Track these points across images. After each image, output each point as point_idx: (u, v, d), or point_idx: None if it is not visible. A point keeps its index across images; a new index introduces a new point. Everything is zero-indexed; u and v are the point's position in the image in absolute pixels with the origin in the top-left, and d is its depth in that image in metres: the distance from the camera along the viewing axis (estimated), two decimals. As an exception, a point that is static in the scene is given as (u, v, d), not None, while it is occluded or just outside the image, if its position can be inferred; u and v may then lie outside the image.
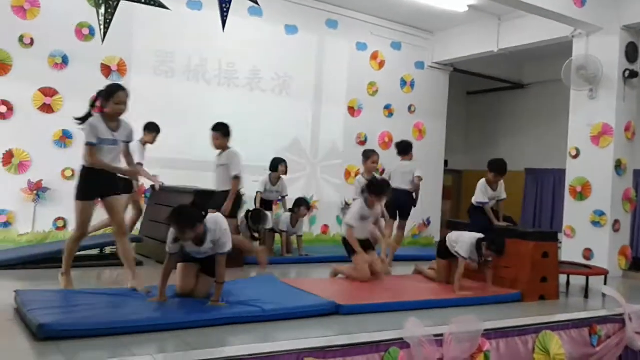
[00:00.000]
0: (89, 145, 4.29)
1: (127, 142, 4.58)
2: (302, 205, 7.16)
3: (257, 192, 7.29)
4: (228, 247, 4.09)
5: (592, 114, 7.70)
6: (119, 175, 4.63)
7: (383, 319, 4.29)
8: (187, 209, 4.03)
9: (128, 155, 4.66)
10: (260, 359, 2.95)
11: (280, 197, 7.48)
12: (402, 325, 3.61)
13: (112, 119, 4.40)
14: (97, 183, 4.37)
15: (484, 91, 12.38)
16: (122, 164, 4.61)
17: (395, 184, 6.57)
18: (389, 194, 5.85)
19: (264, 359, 2.97)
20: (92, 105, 4.49)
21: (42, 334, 3.20)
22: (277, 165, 7.28)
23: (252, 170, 7.72)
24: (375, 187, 5.69)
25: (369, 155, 6.79)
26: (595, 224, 7.52)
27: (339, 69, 9.38)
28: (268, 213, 7.02)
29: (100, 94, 4.42)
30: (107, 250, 6.24)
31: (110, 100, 4.33)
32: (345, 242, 5.76)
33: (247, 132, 8.31)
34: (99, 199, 4.50)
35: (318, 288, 4.91)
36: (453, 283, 5.55)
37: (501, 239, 5.32)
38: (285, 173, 7.41)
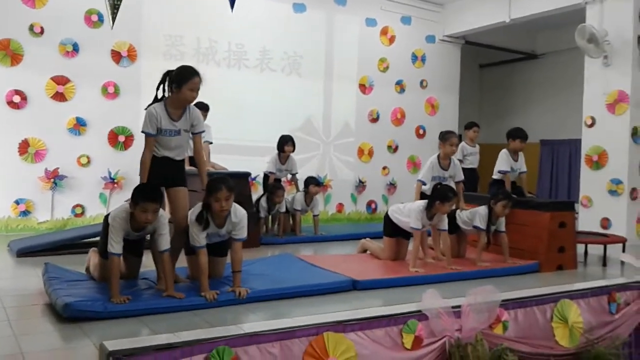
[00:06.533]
0: (144, 134, 3.98)
1: (194, 133, 4.14)
2: (312, 183, 7.15)
3: (268, 174, 7.14)
4: (245, 233, 3.99)
5: (607, 82, 7.59)
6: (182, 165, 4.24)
7: (401, 293, 4.33)
8: None
9: (197, 152, 4.22)
10: (280, 335, 2.98)
11: (290, 175, 7.44)
12: (420, 299, 3.62)
13: (177, 106, 4.02)
14: (161, 172, 4.01)
15: (496, 63, 12.22)
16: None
17: None
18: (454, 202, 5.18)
19: (283, 334, 3.00)
20: (158, 88, 4.06)
21: (66, 313, 3.29)
22: (284, 145, 7.16)
23: (264, 151, 7.75)
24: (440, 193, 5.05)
25: (446, 137, 5.65)
26: (612, 192, 7.46)
27: (349, 46, 9.31)
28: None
29: (169, 76, 4.02)
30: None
31: (184, 86, 3.93)
32: (386, 219, 5.49)
33: (258, 112, 8.36)
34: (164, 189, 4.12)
35: (335, 265, 4.95)
36: (463, 256, 5.59)
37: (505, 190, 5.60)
38: (293, 151, 7.28)
